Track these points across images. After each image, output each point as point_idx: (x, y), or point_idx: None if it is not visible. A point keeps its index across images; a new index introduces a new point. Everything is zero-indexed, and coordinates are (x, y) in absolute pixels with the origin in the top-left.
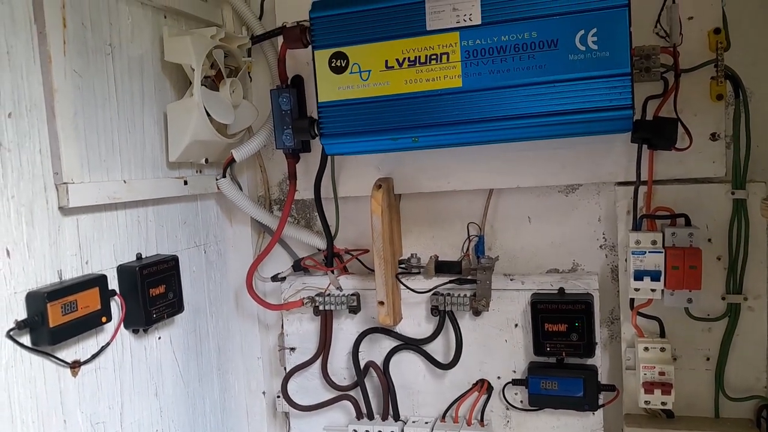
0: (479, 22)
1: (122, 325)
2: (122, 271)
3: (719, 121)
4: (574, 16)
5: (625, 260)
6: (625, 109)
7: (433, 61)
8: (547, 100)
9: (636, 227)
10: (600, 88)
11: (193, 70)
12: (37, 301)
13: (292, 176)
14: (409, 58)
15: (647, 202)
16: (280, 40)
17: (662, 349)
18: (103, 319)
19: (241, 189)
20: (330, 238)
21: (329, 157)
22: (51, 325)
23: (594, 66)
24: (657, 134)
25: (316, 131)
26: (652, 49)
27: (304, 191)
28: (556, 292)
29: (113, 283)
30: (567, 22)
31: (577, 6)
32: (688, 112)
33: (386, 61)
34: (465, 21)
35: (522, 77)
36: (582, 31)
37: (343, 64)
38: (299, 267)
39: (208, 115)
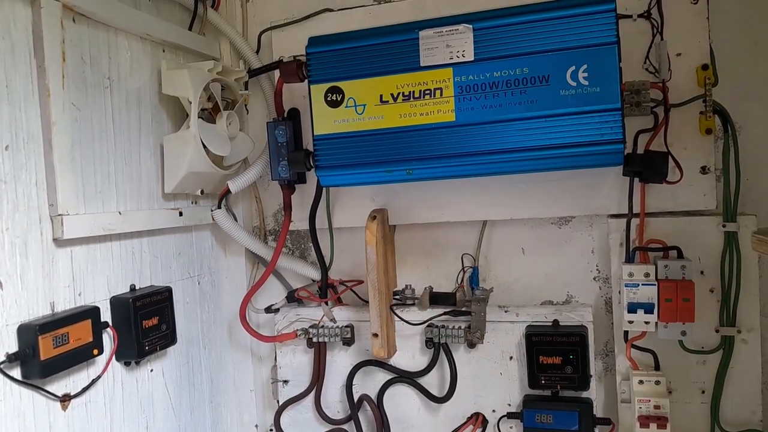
0: (472, 59)
1: (114, 357)
2: (115, 302)
3: (709, 154)
4: (564, 52)
5: (619, 292)
6: (616, 143)
7: (427, 96)
8: (540, 134)
9: (629, 259)
10: (591, 123)
11: (191, 102)
12: (29, 333)
13: (288, 207)
14: (403, 93)
15: (640, 235)
16: (276, 73)
17: (657, 382)
18: (95, 352)
19: (236, 219)
20: (324, 269)
21: (324, 189)
22: (42, 358)
23: (585, 101)
24: (648, 168)
25: (312, 163)
26: (642, 84)
27: (299, 222)
28: (550, 324)
29: (106, 315)
30: (558, 59)
31: (568, 43)
32: (679, 146)
33: (381, 95)
34: (458, 57)
35: (514, 112)
36: (573, 68)
37: (339, 98)
38: (293, 298)
39: (205, 147)
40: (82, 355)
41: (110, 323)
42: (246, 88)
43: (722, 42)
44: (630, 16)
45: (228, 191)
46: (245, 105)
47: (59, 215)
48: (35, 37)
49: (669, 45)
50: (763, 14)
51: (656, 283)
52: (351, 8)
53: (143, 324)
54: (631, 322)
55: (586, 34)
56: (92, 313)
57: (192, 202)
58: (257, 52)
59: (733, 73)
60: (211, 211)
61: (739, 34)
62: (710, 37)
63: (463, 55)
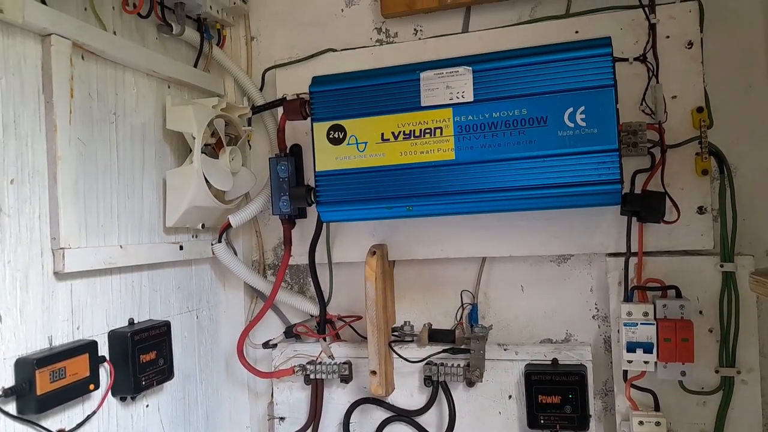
0: (471, 100)
1: (110, 392)
2: (113, 337)
3: (705, 195)
4: (562, 95)
5: (618, 331)
6: (613, 183)
7: (427, 135)
8: (538, 173)
9: (627, 298)
10: (589, 163)
11: (194, 138)
12: (26, 367)
13: (288, 241)
14: (404, 131)
15: (638, 274)
16: (280, 110)
17: (657, 423)
18: (91, 387)
19: (236, 253)
20: (323, 305)
21: (324, 224)
22: (38, 393)
23: (583, 142)
24: (645, 207)
25: (313, 199)
26: (639, 125)
27: (299, 256)
28: (549, 362)
29: (103, 349)
30: (556, 101)
31: (566, 85)
32: (675, 186)
33: (382, 133)
34: (458, 98)
35: (513, 151)
36: (570, 109)
37: (341, 136)
38: (291, 333)
39: (207, 181)
40: (79, 390)
41: (107, 357)
42: (249, 124)
43: (716, 85)
44: (626, 60)
45: (229, 225)
46: (248, 141)
47: (61, 249)
48: (44, 74)
49: (664, 88)
50: (756, 59)
51: (655, 322)
52: (353, 49)
53: (141, 358)
54: (630, 361)
55: (584, 76)
56: (90, 347)
57: (193, 236)
58: (261, 89)
59: (728, 115)
60: (212, 245)
61: (732, 77)
62: (704, 81)
63: (462, 96)
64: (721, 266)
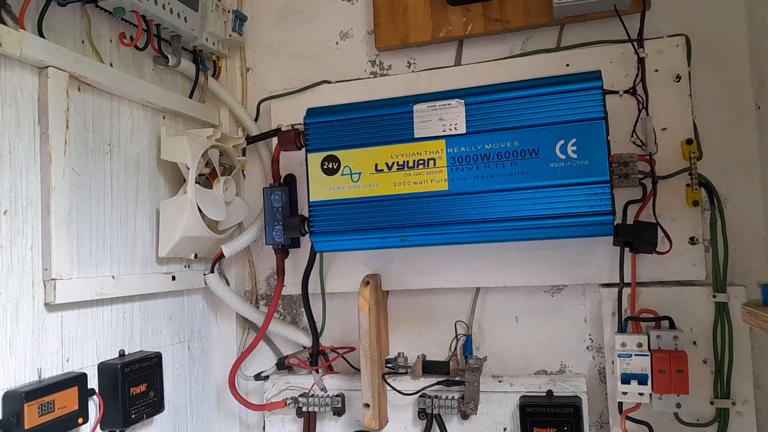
0: (464, 131)
1: (99, 426)
2: (103, 369)
3: (697, 225)
4: (553, 127)
5: (612, 362)
6: (605, 214)
7: (421, 166)
8: (530, 204)
9: (621, 329)
10: (581, 195)
11: (189, 168)
12: (14, 401)
13: (281, 272)
14: (398, 162)
15: (631, 304)
16: (274, 140)
17: None
18: (80, 420)
19: (228, 284)
20: (316, 336)
21: (318, 254)
22: (26, 427)
23: (574, 174)
24: (638, 238)
25: (307, 229)
26: (630, 156)
27: (292, 287)
28: (544, 394)
29: (93, 382)
30: (547, 133)
31: (557, 118)
32: (667, 217)
33: (376, 164)
34: (451, 130)
35: (505, 183)
36: (562, 141)
37: (335, 167)
38: (283, 365)
39: (201, 212)
40: (67, 424)
41: (97, 390)
42: (244, 154)
43: (705, 117)
44: (616, 92)
45: (221, 256)
46: (242, 170)
47: (52, 280)
48: (41, 106)
49: (654, 120)
50: (743, 92)
51: (649, 353)
52: (348, 81)
53: (131, 391)
54: (625, 393)
55: (575, 109)
56: (79, 380)
57: (185, 266)
58: (256, 119)
59: (717, 147)
60: (204, 275)
61: (721, 110)
62: (693, 113)
63: (455, 128)
64: (714, 297)
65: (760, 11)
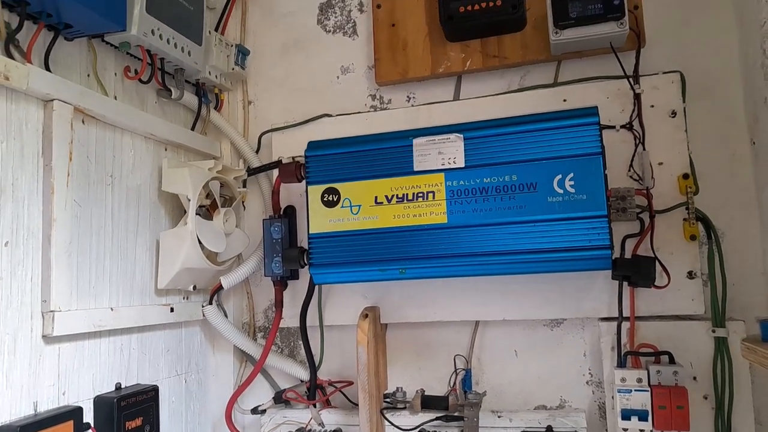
0: (463, 165)
1: None
2: (99, 402)
3: (695, 260)
4: (551, 161)
5: (612, 398)
6: (603, 249)
7: (420, 199)
8: (529, 238)
9: (621, 364)
10: (579, 229)
11: (189, 200)
12: None
13: (279, 304)
14: (397, 195)
15: (630, 339)
16: (275, 172)
17: None
18: None
19: (226, 315)
20: (314, 369)
21: (316, 285)
22: None
23: (572, 208)
24: (636, 272)
25: (306, 261)
26: (627, 191)
27: (290, 319)
28: (544, 430)
29: (89, 416)
30: (545, 168)
31: (554, 153)
32: (665, 251)
33: (376, 197)
34: (450, 164)
35: (503, 216)
36: (560, 176)
37: (335, 199)
38: (280, 399)
39: (200, 243)
40: None
41: (92, 424)
42: (244, 186)
43: (701, 152)
44: (613, 127)
45: (220, 287)
46: (242, 202)
47: (51, 311)
48: (45, 138)
49: (651, 154)
50: (738, 127)
51: (649, 389)
52: (348, 114)
53: (126, 425)
54: (625, 429)
55: (572, 144)
56: (75, 414)
57: (184, 298)
58: (257, 151)
59: (714, 181)
60: (202, 306)
61: (716, 145)
62: (689, 148)
63: (454, 162)
64: (713, 332)
65: (752, 49)
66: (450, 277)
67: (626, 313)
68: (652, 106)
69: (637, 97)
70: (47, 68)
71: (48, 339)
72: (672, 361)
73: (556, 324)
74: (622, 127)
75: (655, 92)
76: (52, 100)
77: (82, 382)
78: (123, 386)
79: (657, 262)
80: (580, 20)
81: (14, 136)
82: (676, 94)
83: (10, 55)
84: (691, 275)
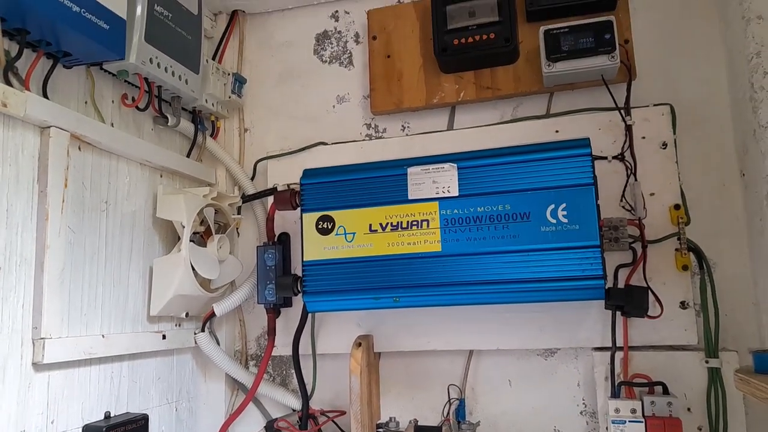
0: (456, 194)
1: None
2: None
3: (687, 290)
4: (544, 191)
5: (606, 428)
6: (596, 278)
7: (414, 227)
8: (521, 267)
9: (615, 394)
10: (572, 259)
11: (184, 227)
12: None
13: (272, 331)
14: (391, 223)
15: (624, 369)
16: (270, 198)
17: None
18: None
19: (218, 343)
20: (306, 399)
21: (310, 313)
22: None
23: (565, 238)
24: (629, 302)
25: (299, 288)
26: (620, 221)
27: (282, 347)
28: None
29: None
30: (538, 197)
31: (547, 183)
32: (658, 281)
33: (370, 225)
34: (444, 193)
35: (497, 245)
36: (552, 206)
37: (330, 227)
38: (272, 428)
39: (194, 270)
40: None
41: None
42: (239, 213)
43: (692, 183)
44: (605, 158)
45: (213, 314)
46: (237, 229)
47: (42, 339)
48: (41, 164)
49: (642, 185)
50: (728, 159)
51: (643, 420)
52: (343, 143)
53: None
54: None
55: (564, 175)
56: None
57: (176, 325)
58: (252, 178)
59: (705, 212)
60: (195, 334)
61: (707, 176)
62: (680, 179)
63: (448, 191)
64: (707, 362)
65: (741, 83)
66: (444, 305)
67: (620, 342)
68: (644, 137)
69: (628, 129)
70: (45, 95)
71: (38, 366)
72: (666, 391)
73: (549, 353)
74: (614, 158)
75: (646, 124)
76: (49, 127)
77: (71, 410)
78: (112, 415)
79: (650, 292)
80: (572, 53)
81: (10, 162)
82: (667, 126)
83: (8, 83)
84: (683, 305)
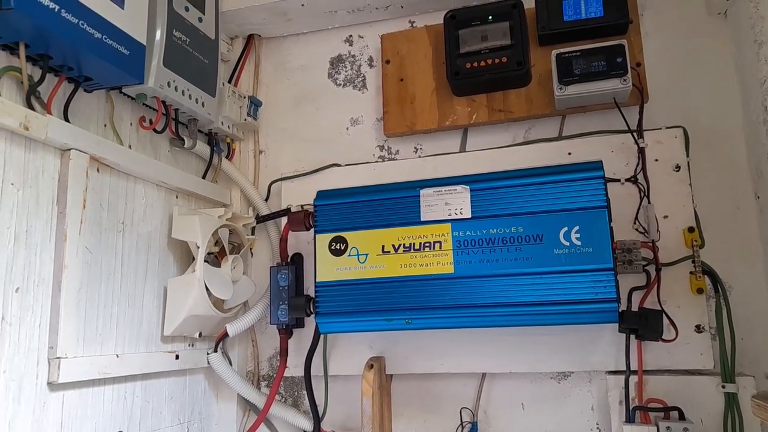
0: (469, 216)
1: None
2: None
3: (702, 313)
4: (557, 214)
5: None
6: (610, 301)
7: (427, 249)
8: (534, 290)
9: (629, 419)
10: (585, 282)
11: (198, 247)
12: None
13: (284, 352)
14: (404, 244)
15: (639, 393)
16: (283, 219)
17: None
18: None
19: (231, 363)
20: (317, 420)
21: (322, 334)
22: None
23: (578, 260)
24: (643, 325)
25: (312, 309)
26: (633, 243)
27: (294, 368)
28: None
29: None
30: (551, 220)
31: (560, 205)
32: (672, 304)
33: (383, 246)
34: (456, 214)
35: (510, 267)
36: (565, 228)
37: (343, 248)
38: None
39: (208, 290)
40: None
41: None
42: (253, 233)
43: (706, 206)
44: (618, 180)
45: (226, 335)
46: (250, 249)
47: (57, 358)
48: (60, 186)
49: (656, 208)
50: (742, 181)
51: None
52: (357, 164)
53: None
54: None
55: (577, 197)
56: None
57: (189, 345)
58: (266, 199)
59: (719, 235)
60: (207, 354)
61: (721, 199)
62: (694, 202)
63: (461, 213)
64: (723, 387)
65: (754, 106)
66: (456, 327)
67: (634, 366)
68: (656, 160)
69: (641, 152)
70: (66, 119)
71: (53, 386)
72: (682, 416)
73: (563, 377)
74: (627, 180)
75: (659, 146)
76: (70, 150)
77: (85, 430)
78: None
79: (664, 315)
80: (584, 77)
81: (30, 184)
82: (680, 149)
83: (30, 106)
84: (699, 329)
